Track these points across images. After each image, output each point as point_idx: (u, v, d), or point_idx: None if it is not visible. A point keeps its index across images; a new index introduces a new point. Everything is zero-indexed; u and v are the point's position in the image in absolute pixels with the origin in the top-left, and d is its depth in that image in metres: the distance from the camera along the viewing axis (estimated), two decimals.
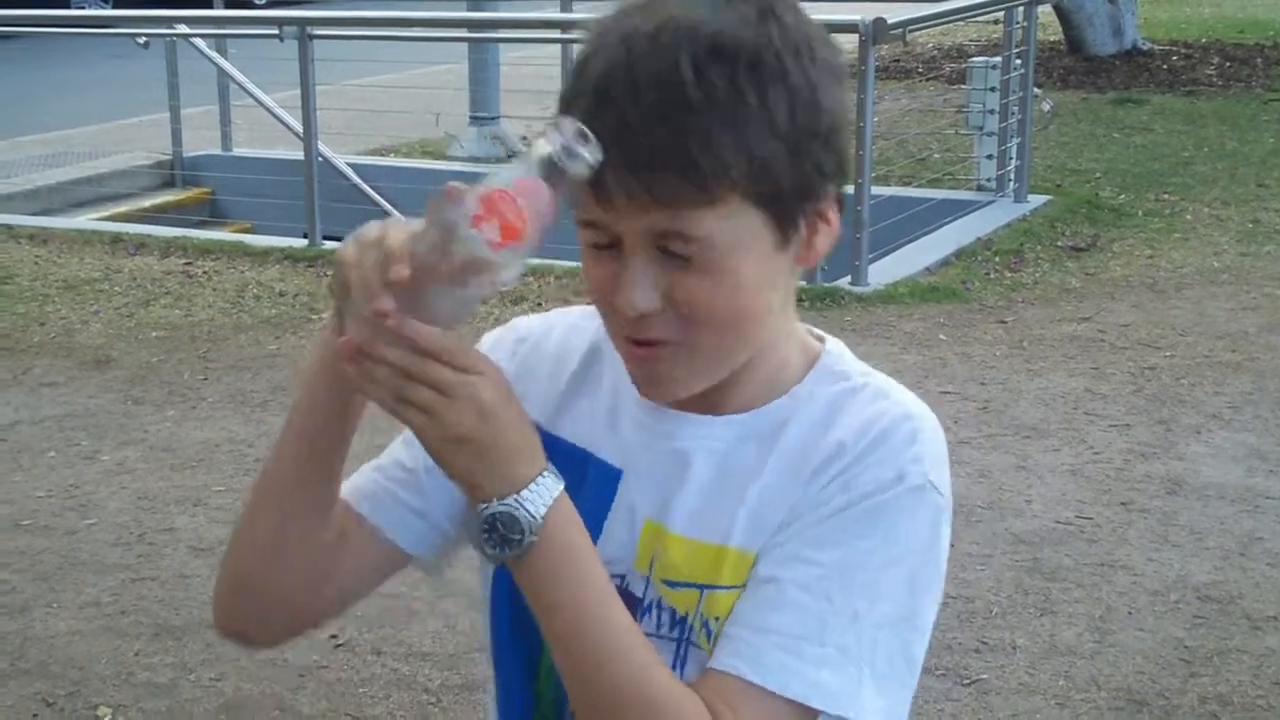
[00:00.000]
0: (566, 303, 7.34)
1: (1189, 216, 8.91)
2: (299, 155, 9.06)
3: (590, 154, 1.21)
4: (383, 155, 11.62)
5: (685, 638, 1.38)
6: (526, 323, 1.58)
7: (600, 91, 1.27)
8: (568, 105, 1.31)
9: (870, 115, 7.67)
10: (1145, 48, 14.93)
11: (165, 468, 5.52)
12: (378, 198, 10.38)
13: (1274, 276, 7.63)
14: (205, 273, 8.14)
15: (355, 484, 1.53)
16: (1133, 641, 4.14)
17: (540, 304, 7.40)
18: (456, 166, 11.09)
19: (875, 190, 7.95)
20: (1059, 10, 14.65)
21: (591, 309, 1.43)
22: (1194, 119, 11.99)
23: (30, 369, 6.64)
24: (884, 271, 7.72)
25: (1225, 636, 4.16)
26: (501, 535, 1.26)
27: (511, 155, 10.70)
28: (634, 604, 1.38)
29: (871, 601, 1.32)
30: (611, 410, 1.45)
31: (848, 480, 1.35)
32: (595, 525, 1.38)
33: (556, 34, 10.77)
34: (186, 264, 8.30)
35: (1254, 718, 3.78)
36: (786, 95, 1.27)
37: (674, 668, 1.36)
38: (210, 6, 11.48)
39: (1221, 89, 13.35)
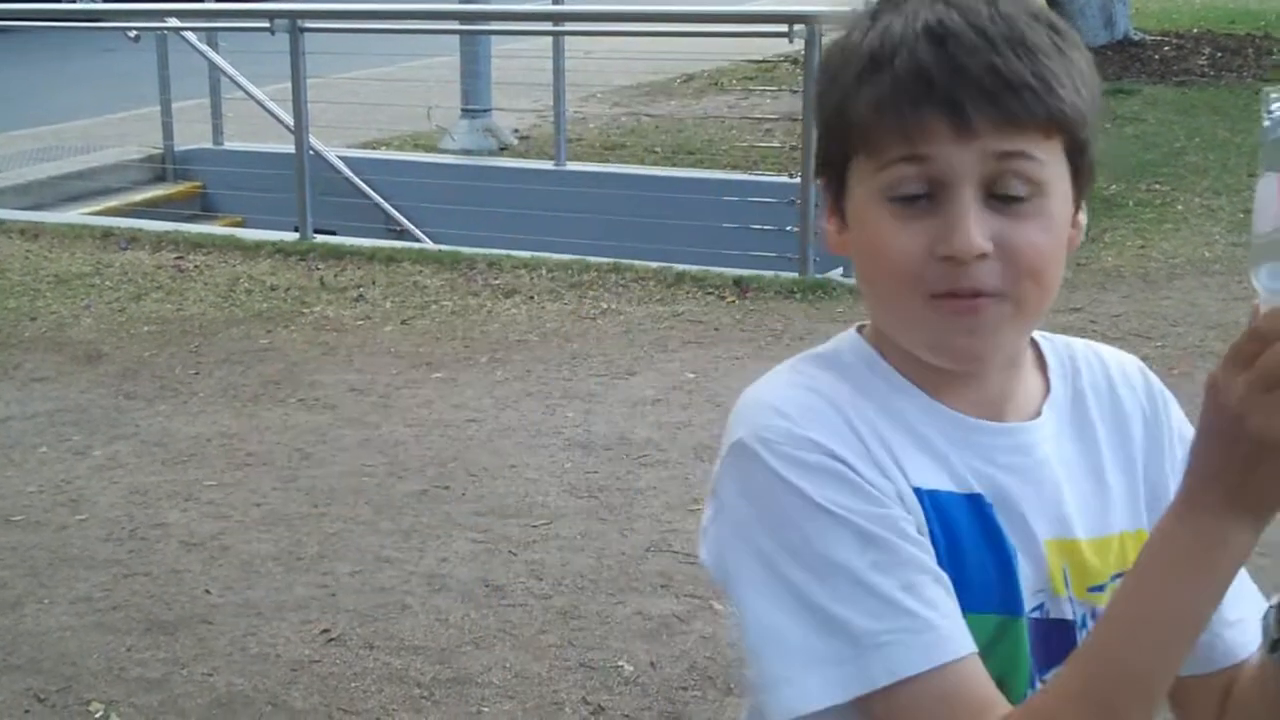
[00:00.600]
0: (558, 295, 7.36)
1: (1180, 207, 8.91)
2: (290, 149, 9.05)
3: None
4: (374, 148, 11.61)
5: None
6: (814, 390, 1.40)
7: (938, 34, 1.29)
8: (881, 57, 1.31)
9: None
10: (1137, 38, 14.93)
11: (157, 462, 5.51)
12: (370, 191, 10.38)
13: None
14: (197, 267, 8.13)
15: None
16: None
17: (533, 297, 7.40)
18: (448, 159, 11.10)
19: None
20: (1051, 1, 14.65)
21: (800, 364, 1.42)
22: (1186, 109, 11.99)
23: (21, 364, 6.63)
24: None
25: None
26: None
27: (504, 148, 10.66)
28: (1067, 627, 1.38)
29: None
30: (925, 443, 1.37)
31: (1174, 426, 1.45)
32: (1012, 564, 1.36)
33: (548, 26, 10.76)
34: (178, 258, 8.29)
35: None
36: (1085, 59, 1.35)
37: None
38: (201, 0, 11.46)
39: (1213, 79, 13.36)
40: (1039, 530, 1.37)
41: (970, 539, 1.34)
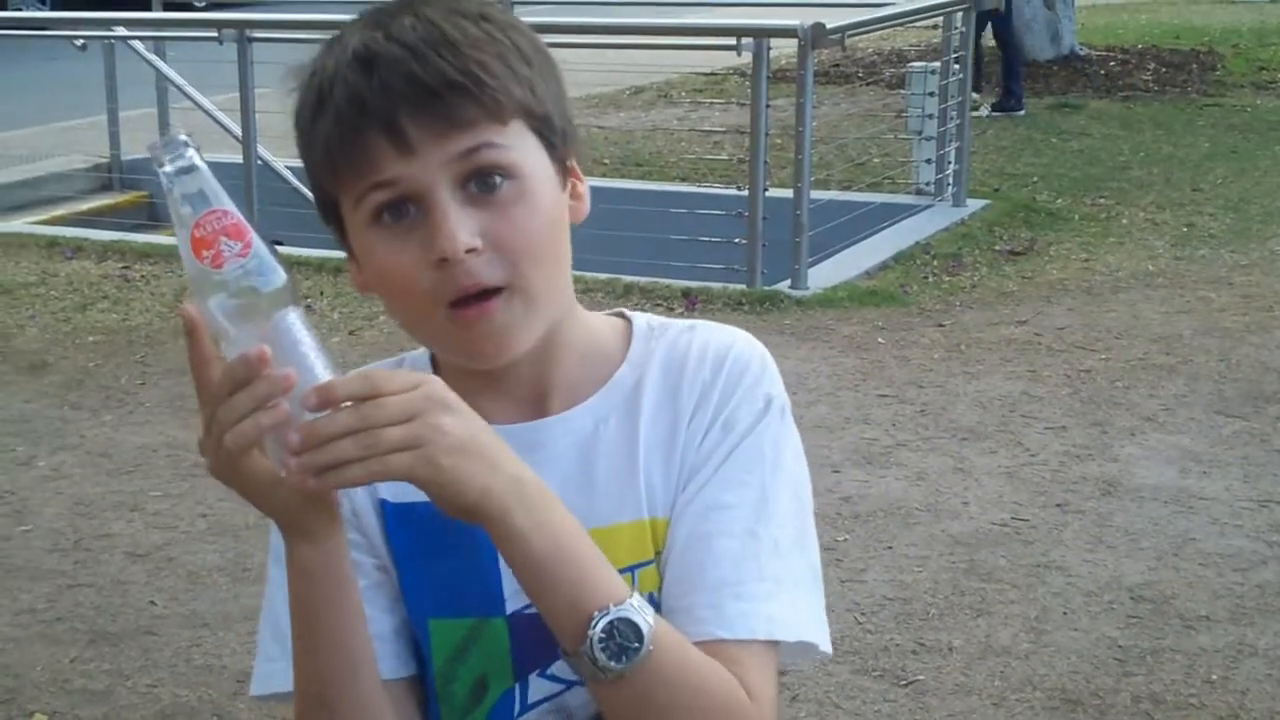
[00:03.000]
0: None
1: (1125, 220, 9.00)
2: (238, 158, 9.02)
3: (177, 150, 1.26)
4: None
5: None
6: None
7: (364, 57, 1.31)
8: (321, 91, 1.34)
9: (809, 119, 7.71)
10: (1083, 53, 15.07)
11: (102, 473, 5.48)
12: None
13: (1208, 280, 7.71)
14: (143, 276, 8.09)
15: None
16: (1067, 641, 4.18)
17: None
18: None
19: (814, 194, 7.99)
20: (997, 17, 14.73)
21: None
22: (1130, 124, 12.11)
23: None
24: (823, 275, 7.76)
25: (1159, 636, 4.20)
26: (619, 645, 1.26)
27: None
28: None
29: (782, 526, 1.40)
30: None
31: (727, 421, 1.42)
32: (490, 566, 1.38)
33: None
34: (124, 268, 8.25)
35: (1186, 716, 3.82)
36: (523, 37, 1.37)
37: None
38: (149, 9, 11.40)
39: (1157, 94, 13.49)
40: None
41: (442, 546, 1.38)
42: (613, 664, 1.25)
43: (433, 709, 1.45)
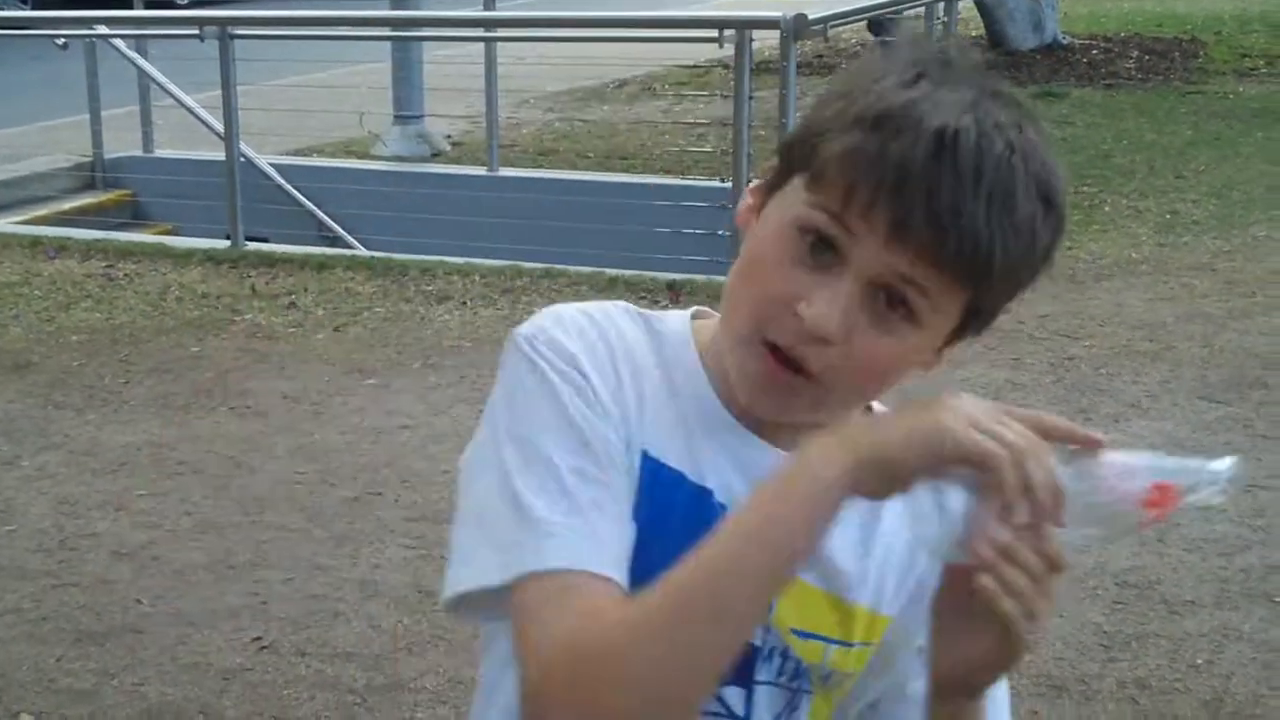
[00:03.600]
0: (491, 301, 7.36)
1: (1108, 208, 9.00)
2: (221, 156, 9.00)
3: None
4: (307, 155, 11.56)
5: (801, 688, 1.40)
6: (597, 321, 1.41)
7: (945, 139, 1.26)
8: (885, 124, 1.28)
9: (793, 111, 7.70)
10: (1065, 42, 15.06)
11: (86, 472, 5.47)
12: (302, 198, 10.34)
13: (1191, 267, 7.72)
14: (126, 275, 8.07)
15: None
16: (1052, 627, 4.18)
17: (466, 303, 7.39)
18: (381, 166, 11.07)
19: None
20: (980, 5, 14.77)
21: (614, 306, 1.42)
22: (1113, 112, 12.12)
23: None
24: None
25: (1143, 621, 4.22)
26: None
27: (437, 154, 10.62)
28: (752, 652, 1.37)
29: None
30: (684, 429, 1.38)
31: None
32: None
33: (480, 32, 10.75)
34: (107, 266, 8.23)
35: (1171, 700, 3.84)
36: (1050, 240, 1.33)
37: (782, 713, 1.40)
38: (130, 7, 11.38)
39: (1140, 82, 13.50)
40: None
41: (675, 523, 1.34)
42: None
43: None
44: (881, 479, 1.20)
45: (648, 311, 1.45)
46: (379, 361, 6.61)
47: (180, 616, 4.42)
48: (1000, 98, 1.31)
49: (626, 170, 10.74)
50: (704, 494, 1.36)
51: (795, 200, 1.31)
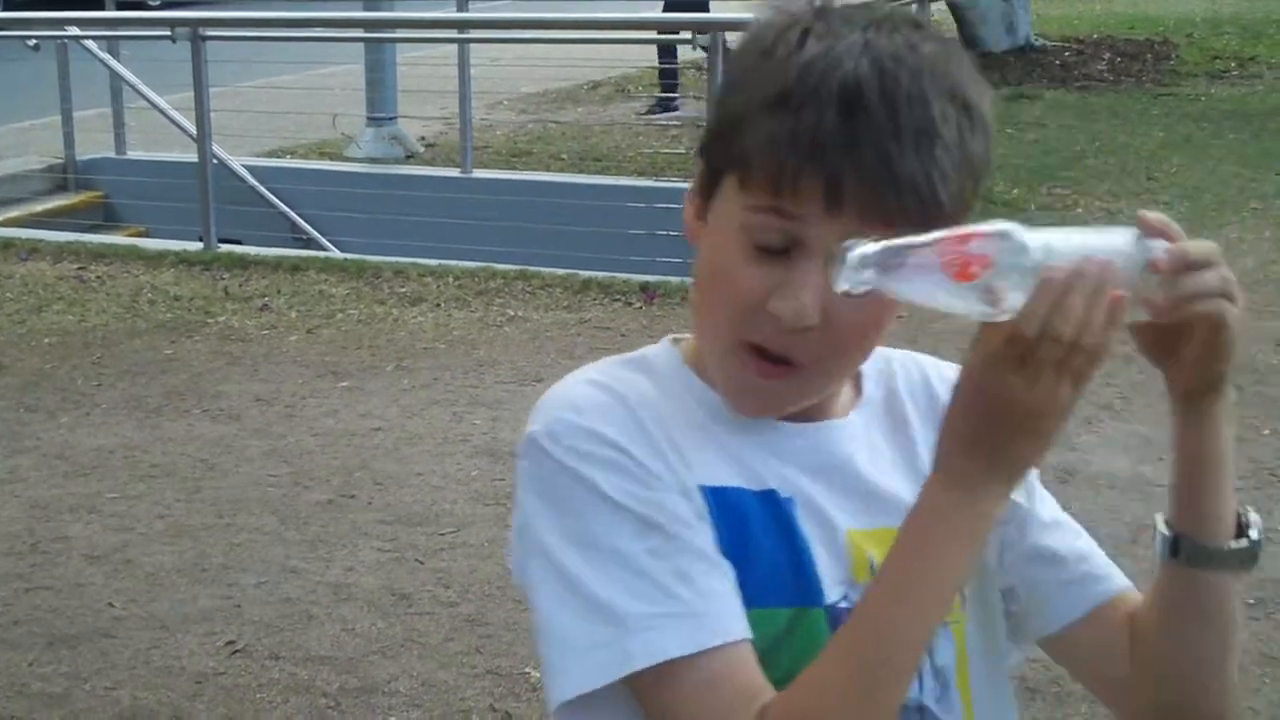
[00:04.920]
0: (465, 303, 7.35)
1: (1080, 210, 9.03)
2: (194, 158, 8.98)
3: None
4: (280, 157, 11.53)
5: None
6: (607, 387, 1.41)
7: (851, 103, 1.27)
8: (789, 100, 1.28)
9: None
10: (1038, 44, 15.11)
11: (58, 475, 5.45)
12: (274, 199, 10.30)
13: None
14: (99, 277, 8.04)
15: None
16: None
17: (439, 305, 7.38)
18: (354, 168, 11.04)
19: None
20: (953, 7, 14.80)
21: (605, 365, 1.43)
22: (1086, 114, 12.16)
23: None
24: None
25: None
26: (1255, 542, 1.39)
27: (410, 156, 10.55)
28: None
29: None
30: (719, 446, 1.39)
31: None
32: (806, 557, 1.37)
33: (453, 34, 10.74)
34: (80, 269, 8.20)
35: None
36: (984, 144, 1.33)
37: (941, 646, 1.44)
38: (102, 8, 11.34)
39: (1113, 84, 13.55)
40: (840, 522, 1.38)
41: (760, 534, 1.35)
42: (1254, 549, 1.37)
43: None
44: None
45: (629, 355, 1.46)
46: (352, 364, 6.59)
47: (153, 620, 4.40)
48: (885, 24, 1.32)
49: (600, 172, 10.74)
50: (769, 496, 1.38)
51: (733, 205, 1.33)
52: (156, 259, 8.33)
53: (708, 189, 1.37)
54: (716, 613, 1.29)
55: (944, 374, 1.50)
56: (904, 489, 1.40)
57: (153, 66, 10.36)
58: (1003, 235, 1.19)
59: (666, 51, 12.72)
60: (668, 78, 13.00)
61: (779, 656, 1.33)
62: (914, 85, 1.28)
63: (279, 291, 7.68)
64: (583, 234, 8.83)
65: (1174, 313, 1.26)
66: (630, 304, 7.29)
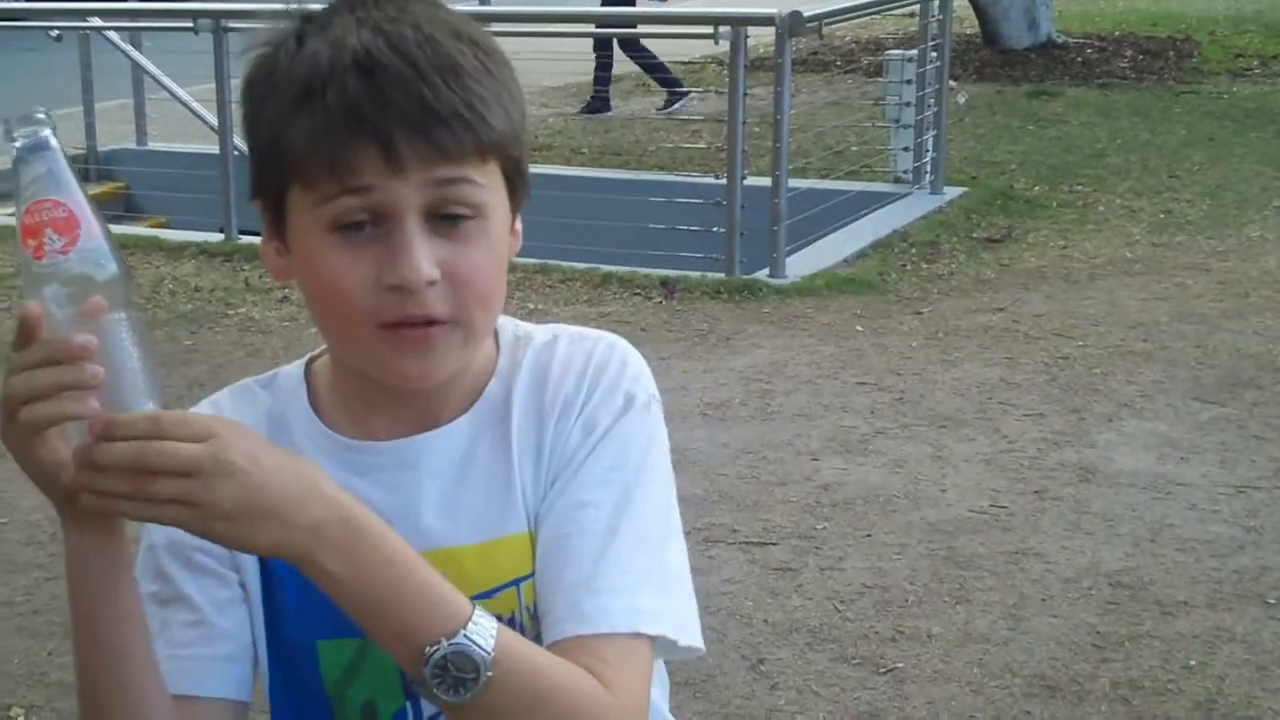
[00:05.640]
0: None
1: (1102, 207, 9.01)
2: (215, 149, 8.99)
3: (32, 126, 1.22)
4: None
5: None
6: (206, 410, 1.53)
7: (366, 65, 1.30)
8: (312, 89, 1.31)
9: (787, 108, 7.71)
10: (1060, 40, 15.07)
11: None
12: None
13: (1185, 266, 7.73)
14: None
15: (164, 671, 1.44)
16: (1046, 628, 4.19)
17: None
18: None
19: (792, 183, 7.99)
20: (975, 3, 14.78)
21: (238, 389, 1.49)
22: (1107, 111, 12.12)
23: None
24: (801, 263, 7.76)
25: (1136, 622, 4.22)
26: (455, 679, 1.24)
27: None
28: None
29: (647, 521, 1.39)
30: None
31: (586, 422, 1.42)
32: None
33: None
34: None
35: (1164, 701, 3.84)
36: (509, 71, 1.38)
37: None
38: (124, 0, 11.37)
39: (1134, 81, 13.51)
40: (412, 544, 1.30)
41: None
42: (450, 698, 1.24)
43: None
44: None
45: (263, 375, 1.57)
46: None
47: None
48: (369, 2, 1.35)
49: (620, 166, 10.74)
50: None
51: (306, 214, 1.34)
52: (177, 250, 8.35)
53: (276, 224, 1.38)
54: (186, 668, 1.45)
55: (573, 357, 1.47)
56: (489, 503, 1.42)
57: (174, 58, 10.37)
58: None
59: (629, 46, 12.70)
60: (657, 71, 13.00)
61: (351, 689, 1.39)
62: (418, 34, 1.31)
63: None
64: (603, 228, 8.82)
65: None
66: (650, 299, 7.28)
